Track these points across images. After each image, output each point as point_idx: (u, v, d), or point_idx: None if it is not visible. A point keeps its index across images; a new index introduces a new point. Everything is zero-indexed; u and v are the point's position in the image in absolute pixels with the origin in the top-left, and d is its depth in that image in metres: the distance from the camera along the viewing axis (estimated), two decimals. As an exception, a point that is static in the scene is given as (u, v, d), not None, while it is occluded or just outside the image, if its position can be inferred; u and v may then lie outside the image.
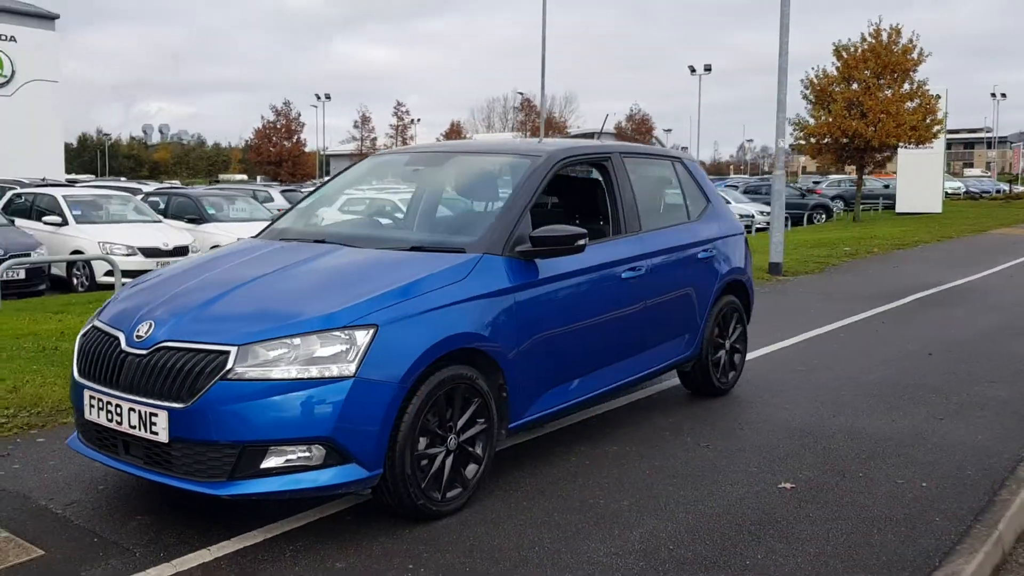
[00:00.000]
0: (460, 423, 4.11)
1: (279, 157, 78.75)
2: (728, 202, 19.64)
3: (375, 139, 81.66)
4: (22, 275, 12.60)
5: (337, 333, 3.71)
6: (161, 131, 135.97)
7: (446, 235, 4.94)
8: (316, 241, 4.79)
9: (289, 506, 4.10)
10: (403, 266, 4.27)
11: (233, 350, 3.63)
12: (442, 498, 4.03)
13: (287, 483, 3.64)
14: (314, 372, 3.62)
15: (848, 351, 7.96)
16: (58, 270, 14.01)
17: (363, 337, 3.73)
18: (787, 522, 4.06)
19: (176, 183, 48.67)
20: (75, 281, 13.82)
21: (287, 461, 3.64)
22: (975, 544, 3.78)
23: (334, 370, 3.64)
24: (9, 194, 16.73)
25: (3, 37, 31.35)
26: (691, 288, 5.83)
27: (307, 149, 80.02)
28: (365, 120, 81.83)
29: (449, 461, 4.07)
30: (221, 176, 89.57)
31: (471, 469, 4.20)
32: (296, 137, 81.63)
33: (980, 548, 3.72)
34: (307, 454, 3.64)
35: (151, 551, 3.65)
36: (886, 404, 6.13)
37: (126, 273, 11.23)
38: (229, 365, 3.60)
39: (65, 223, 14.67)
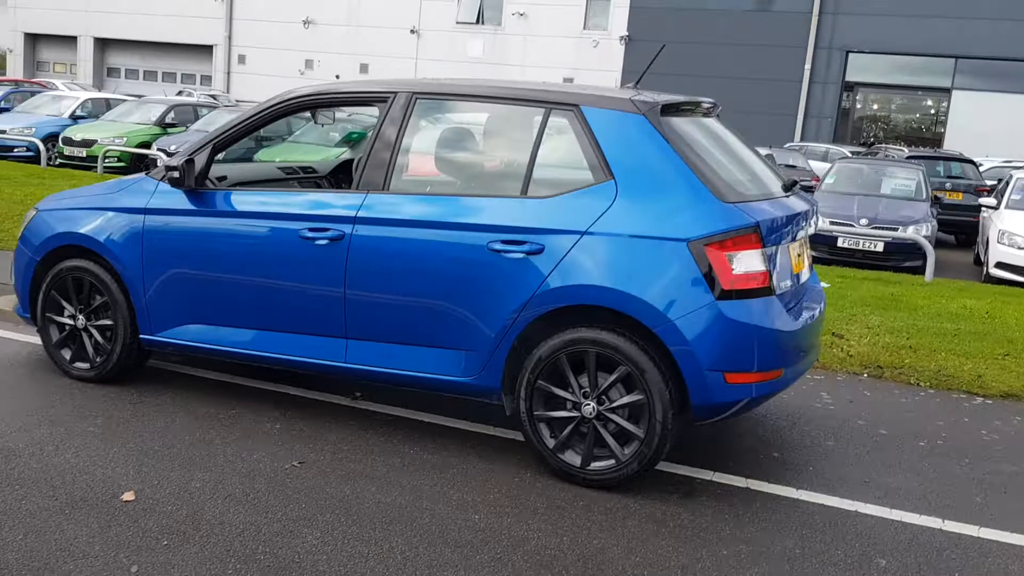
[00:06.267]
0: (89, 310, 5.04)
1: None
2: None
3: None
4: (879, 247, 12.92)
5: (31, 213, 5.34)
6: None
7: None
8: None
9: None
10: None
11: None
12: (70, 361, 5.12)
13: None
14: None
15: None
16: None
17: (31, 215, 5.25)
18: None
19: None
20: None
21: None
22: None
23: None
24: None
25: None
26: (467, 287, 4.13)
27: None
28: None
29: (83, 336, 5.07)
30: None
31: (103, 356, 5.04)
32: None
33: None
34: None
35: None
36: None
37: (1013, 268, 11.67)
38: None
39: (997, 206, 13.62)
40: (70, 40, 40.29)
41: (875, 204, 13.58)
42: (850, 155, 20.46)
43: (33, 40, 41.64)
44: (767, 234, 3.97)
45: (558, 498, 3.93)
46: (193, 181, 4.69)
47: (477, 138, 4.69)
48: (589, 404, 3.98)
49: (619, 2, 32.16)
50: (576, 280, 3.93)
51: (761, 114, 29.82)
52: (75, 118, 19.82)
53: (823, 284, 10.68)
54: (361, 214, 4.34)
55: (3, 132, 18.53)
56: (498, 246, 4.06)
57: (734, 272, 3.83)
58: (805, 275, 4.65)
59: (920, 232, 12.60)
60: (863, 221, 13.03)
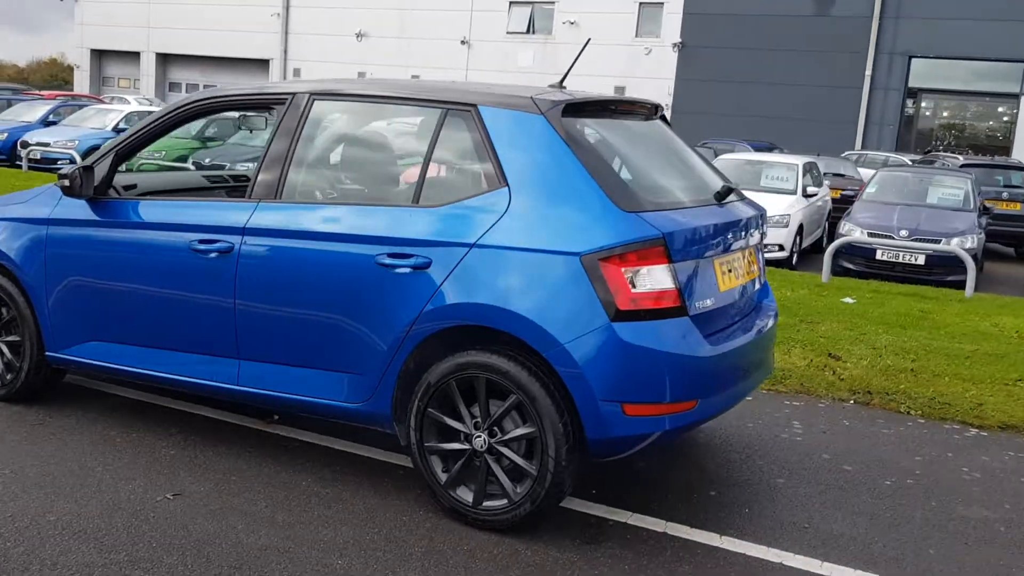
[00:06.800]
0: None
1: None
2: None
3: None
4: (920, 260, 12.19)
5: None
6: None
7: None
8: None
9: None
10: None
11: None
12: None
13: None
14: None
15: None
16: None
17: None
18: None
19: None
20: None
21: None
22: None
23: None
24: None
25: None
26: (356, 305, 3.76)
27: None
28: None
29: None
30: None
31: (13, 374, 4.79)
32: None
33: None
34: None
35: None
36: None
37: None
38: None
39: None
40: (134, 56, 41.27)
41: (917, 214, 12.79)
42: (910, 163, 19.53)
43: (99, 56, 42.78)
44: (681, 247, 3.51)
45: (441, 541, 3.52)
46: (91, 190, 4.43)
47: (375, 142, 4.33)
48: (480, 436, 3.57)
49: (672, 8, 31.51)
50: (461, 298, 3.53)
51: (821, 121, 28.88)
52: (118, 131, 20.07)
53: (847, 300, 10.16)
54: (250, 225, 4.01)
55: (47, 145, 18.87)
56: (386, 260, 3.69)
57: (635, 290, 3.38)
58: (751, 290, 4.16)
59: (964, 244, 11.81)
60: (903, 232, 12.27)
